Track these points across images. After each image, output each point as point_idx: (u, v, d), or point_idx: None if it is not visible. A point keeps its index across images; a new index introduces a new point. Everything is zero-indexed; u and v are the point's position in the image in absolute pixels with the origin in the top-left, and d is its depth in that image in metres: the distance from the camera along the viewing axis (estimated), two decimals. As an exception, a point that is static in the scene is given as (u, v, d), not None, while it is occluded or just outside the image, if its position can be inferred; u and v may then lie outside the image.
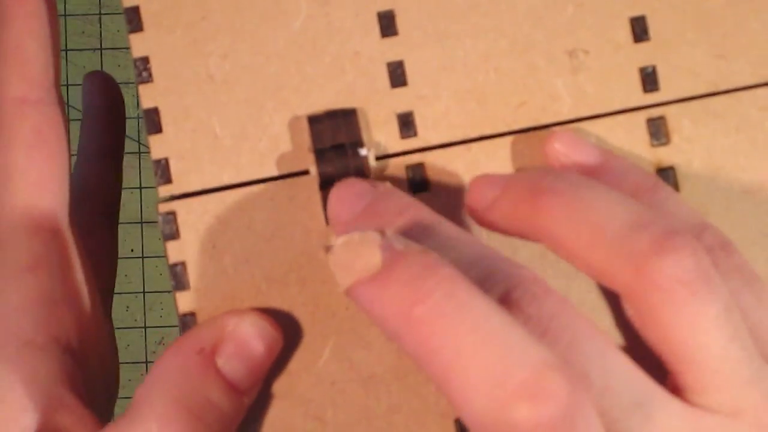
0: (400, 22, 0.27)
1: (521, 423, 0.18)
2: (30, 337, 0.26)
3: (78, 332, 0.27)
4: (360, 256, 0.21)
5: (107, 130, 0.36)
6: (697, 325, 0.21)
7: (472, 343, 0.19)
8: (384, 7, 0.27)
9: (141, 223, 1.08)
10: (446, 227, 0.23)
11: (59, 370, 0.26)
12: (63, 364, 0.26)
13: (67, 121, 0.29)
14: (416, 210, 0.23)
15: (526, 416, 0.18)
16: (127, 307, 1.10)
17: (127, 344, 1.10)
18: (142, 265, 1.10)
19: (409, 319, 0.20)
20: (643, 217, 0.22)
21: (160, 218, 0.27)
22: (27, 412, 0.25)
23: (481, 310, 0.20)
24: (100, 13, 1.04)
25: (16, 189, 0.27)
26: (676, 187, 0.27)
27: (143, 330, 1.11)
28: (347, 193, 0.24)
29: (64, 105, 0.29)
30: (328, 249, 0.21)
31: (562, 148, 0.26)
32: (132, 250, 1.09)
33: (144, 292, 1.11)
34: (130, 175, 1.06)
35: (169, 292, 1.08)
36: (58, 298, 0.27)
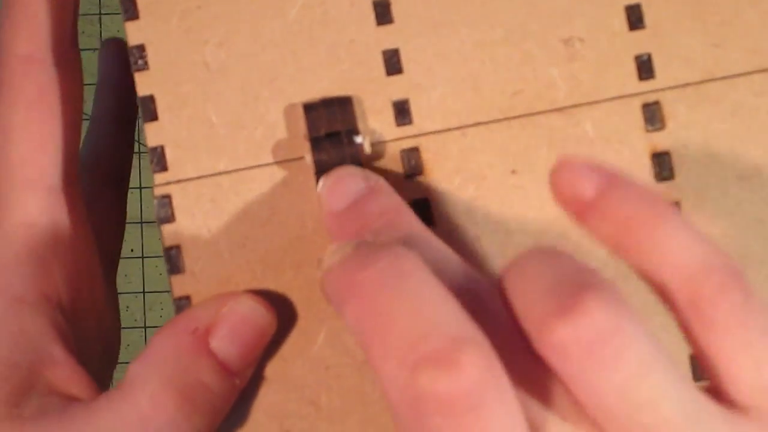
0: (396, 11, 0.27)
1: (424, 391, 0.17)
2: (19, 294, 0.26)
3: (70, 291, 0.27)
4: (334, 256, 0.22)
5: (120, 97, 0.36)
6: None
7: (401, 310, 0.19)
8: None
9: (141, 223, 1.08)
10: (419, 231, 0.23)
11: (50, 326, 0.26)
12: (54, 321, 0.26)
13: (80, 82, 0.29)
14: (396, 214, 0.24)
15: (428, 383, 0.17)
16: (127, 307, 1.10)
17: (127, 344, 1.10)
18: (142, 265, 1.10)
19: (351, 285, 0.20)
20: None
21: (155, 202, 0.27)
22: (16, 368, 0.25)
23: (421, 281, 0.19)
24: (99, 13, 1.04)
25: (13, 145, 0.27)
26: (671, 172, 0.27)
27: (143, 330, 1.11)
28: (339, 185, 0.25)
29: (78, 66, 0.29)
30: (320, 262, 0.22)
31: (564, 176, 0.23)
32: (132, 250, 1.09)
33: (144, 292, 1.11)
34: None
35: (168, 292, 1.08)
36: (50, 256, 0.27)
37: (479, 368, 0.18)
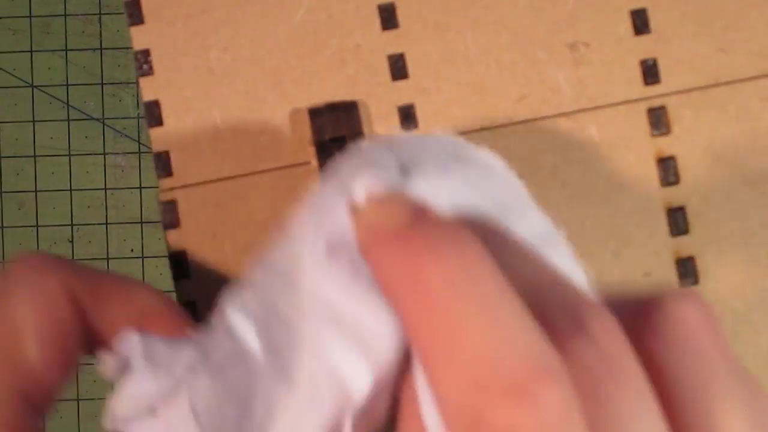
0: (401, 15, 0.27)
1: (490, 420, 0.16)
2: None
3: None
4: (385, 215, 0.18)
5: None
6: None
7: (472, 322, 0.17)
8: None
9: (141, 223, 1.08)
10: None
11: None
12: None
13: None
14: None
15: (503, 416, 0.16)
16: (127, 307, 1.10)
17: (127, 344, 1.10)
18: (142, 265, 1.10)
19: (414, 282, 0.17)
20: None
21: (160, 207, 0.27)
22: None
23: (496, 291, 0.17)
24: (100, 13, 1.04)
25: None
26: (676, 177, 0.27)
27: (143, 330, 1.11)
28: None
29: None
30: (353, 208, 0.19)
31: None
32: (132, 250, 1.09)
33: (144, 292, 1.10)
34: (130, 175, 1.06)
35: (169, 292, 1.08)
36: None
37: (556, 405, 0.16)
